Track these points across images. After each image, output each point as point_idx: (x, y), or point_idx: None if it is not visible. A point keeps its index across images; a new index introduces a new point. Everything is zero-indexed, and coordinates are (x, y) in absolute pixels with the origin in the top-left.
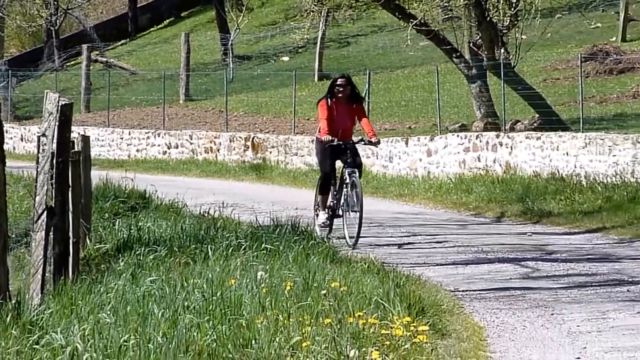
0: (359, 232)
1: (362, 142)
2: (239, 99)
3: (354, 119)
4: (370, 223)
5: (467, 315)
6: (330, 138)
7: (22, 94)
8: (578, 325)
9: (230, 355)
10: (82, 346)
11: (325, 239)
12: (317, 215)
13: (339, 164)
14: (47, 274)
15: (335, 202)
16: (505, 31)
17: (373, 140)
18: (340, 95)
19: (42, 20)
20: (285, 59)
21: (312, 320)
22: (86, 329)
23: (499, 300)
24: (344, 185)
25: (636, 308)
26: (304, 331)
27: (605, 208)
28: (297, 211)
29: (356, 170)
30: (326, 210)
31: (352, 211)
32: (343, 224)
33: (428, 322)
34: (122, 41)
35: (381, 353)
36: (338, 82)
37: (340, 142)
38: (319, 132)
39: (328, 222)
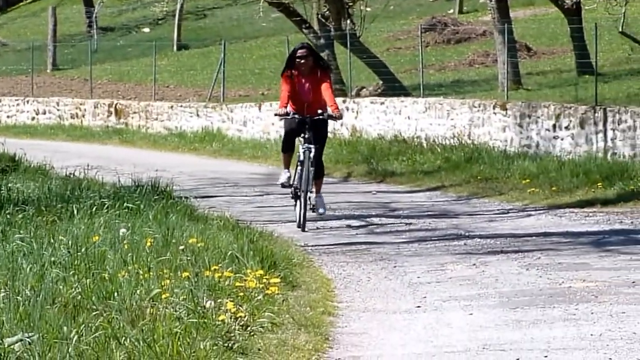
0: (304, 213)
1: (322, 116)
2: (103, 68)
3: (320, 90)
4: (226, 183)
5: (316, 268)
6: (284, 111)
7: None
8: (418, 277)
9: (94, 307)
10: None
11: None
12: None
13: None
14: None
15: (298, 182)
16: (351, 4)
17: (334, 114)
18: (303, 67)
19: None
20: (146, 30)
21: (171, 274)
22: None
23: (346, 254)
24: (297, 164)
25: (472, 260)
26: (163, 284)
27: (444, 168)
28: (157, 172)
29: (312, 147)
30: (287, 170)
31: (301, 191)
32: (299, 206)
33: (280, 275)
34: None
35: (235, 304)
36: (298, 54)
37: (296, 116)
38: (279, 105)
39: (287, 182)
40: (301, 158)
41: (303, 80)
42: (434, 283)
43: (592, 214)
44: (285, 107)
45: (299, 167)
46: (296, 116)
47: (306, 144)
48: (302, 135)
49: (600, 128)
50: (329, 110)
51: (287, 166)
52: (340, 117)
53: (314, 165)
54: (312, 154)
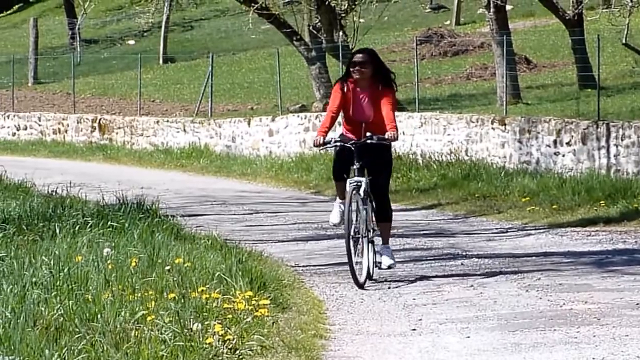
0: (369, 265)
1: (369, 140)
2: (86, 81)
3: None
4: (214, 201)
5: (308, 289)
6: (321, 140)
7: None
8: (414, 298)
9: (77, 329)
10: None
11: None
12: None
13: None
14: None
15: (357, 223)
16: (344, 15)
17: (387, 135)
18: (359, 76)
19: None
20: (131, 42)
21: (156, 295)
22: None
23: (338, 274)
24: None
25: (469, 281)
26: (148, 306)
27: (440, 185)
28: (142, 190)
29: (361, 180)
30: (342, 201)
31: (362, 235)
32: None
33: (269, 297)
34: None
35: (224, 326)
36: (355, 59)
37: (339, 143)
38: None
39: (340, 218)
40: (349, 196)
41: (361, 95)
42: (430, 305)
43: (594, 233)
44: (325, 133)
45: (347, 205)
46: (339, 143)
47: (354, 177)
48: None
49: (602, 144)
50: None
51: (342, 196)
52: (393, 139)
53: (374, 204)
54: (361, 190)
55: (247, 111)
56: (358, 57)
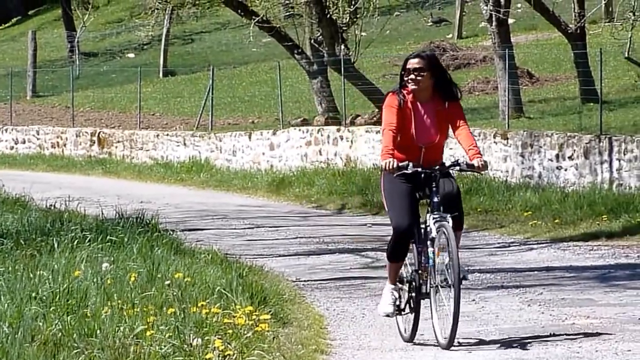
0: (455, 323)
1: (459, 167)
2: (85, 95)
3: (446, 127)
4: (215, 215)
5: (309, 304)
6: (397, 164)
7: None
8: None
9: (75, 345)
10: None
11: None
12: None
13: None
14: None
15: (418, 271)
16: (345, 28)
17: (476, 162)
18: (415, 86)
19: None
20: (131, 55)
21: (156, 310)
22: None
23: (340, 289)
24: (429, 243)
25: (471, 296)
26: (148, 320)
27: None
28: (142, 204)
29: (448, 217)
30: (395, 286)
31: (441, 286)
32: (431, 309)
33: (270, 311)
34: None
35: (224, 341)
36: (409, 65)
37: (419, 169)
38: (382, 152)
39: (394, 309)
40: (433, 234)
41: (420, 110)
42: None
43: (596, 247)
44: (392, 153)
45: (432, 249)
46: (419, 169)
47: (437, 213)
48: (430, 197)
49: (605, 158)
50: (465, 158)
51: (394, 280)
52: (484, 168)
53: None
54: (450, 227)
55: (248, 125)
56: (413, 62)
